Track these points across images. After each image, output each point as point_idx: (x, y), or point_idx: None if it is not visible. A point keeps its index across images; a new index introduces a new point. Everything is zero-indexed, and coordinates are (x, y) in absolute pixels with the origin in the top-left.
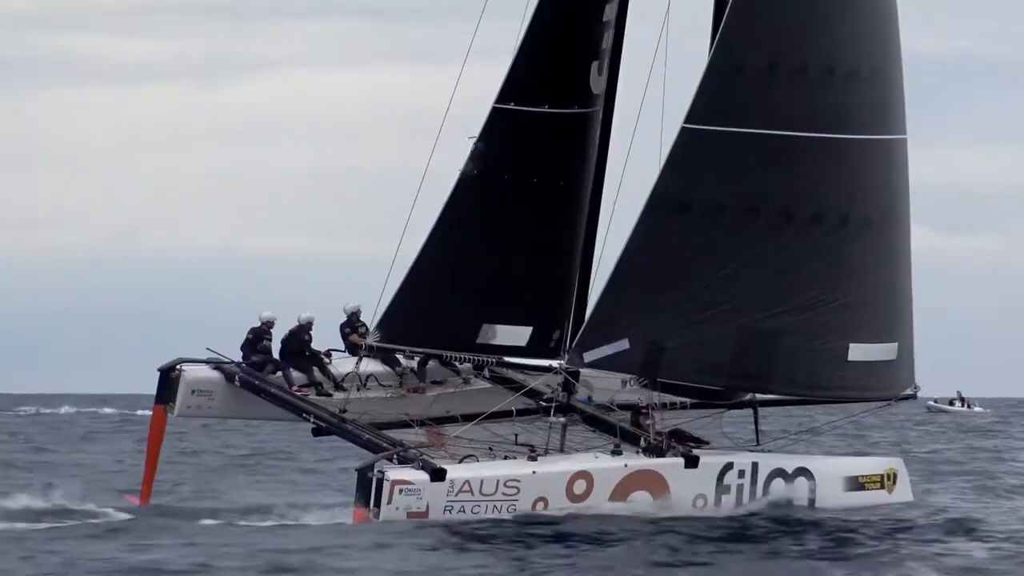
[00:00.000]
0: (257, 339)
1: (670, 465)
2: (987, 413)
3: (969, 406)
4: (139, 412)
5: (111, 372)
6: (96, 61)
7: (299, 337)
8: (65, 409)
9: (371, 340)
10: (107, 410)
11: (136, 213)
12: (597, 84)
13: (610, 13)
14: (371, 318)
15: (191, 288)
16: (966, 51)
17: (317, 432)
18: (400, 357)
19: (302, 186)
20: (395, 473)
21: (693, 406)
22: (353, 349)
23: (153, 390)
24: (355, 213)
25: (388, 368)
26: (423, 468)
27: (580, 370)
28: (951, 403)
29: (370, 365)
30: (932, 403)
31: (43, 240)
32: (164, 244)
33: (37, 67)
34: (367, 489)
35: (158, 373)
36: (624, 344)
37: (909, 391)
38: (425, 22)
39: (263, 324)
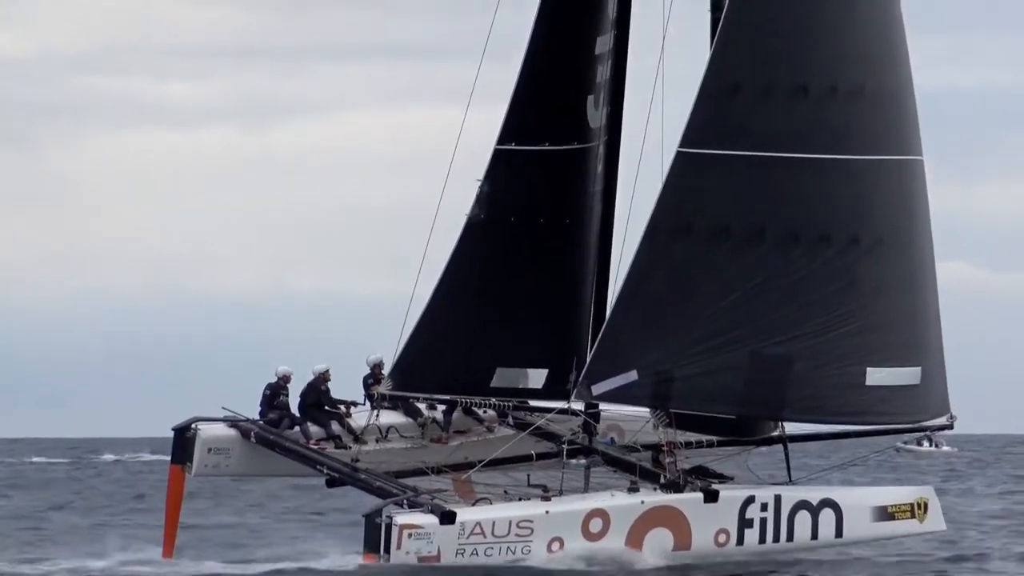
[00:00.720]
0: (274, 395)
1: (689, 500)
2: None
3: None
4: None
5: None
6: (140, 103)
7: (316, 388)
8: (106, 456)
9: (383, 388)
10: (150, 456)
11: (178, 254)
12: (595, 118)
13: (603, 46)
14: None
15: (235, 328)
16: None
17: (331, 483)
18: (423, 407)
19: (347, 226)
20: (403, 517)
21: (720, 443)
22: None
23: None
24: (399, 253)
25: (410, 419)
26: (432, 511)
27: (606, 412)
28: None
29: (391, 416)
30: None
31: (83, 281)
32: (207, 285)
33: (82, 109)
34: (376, 535)
35: (173, 432)
36: (632, 375)
37: (943, 420)
38: (471, 60)
39: (279, 379)
